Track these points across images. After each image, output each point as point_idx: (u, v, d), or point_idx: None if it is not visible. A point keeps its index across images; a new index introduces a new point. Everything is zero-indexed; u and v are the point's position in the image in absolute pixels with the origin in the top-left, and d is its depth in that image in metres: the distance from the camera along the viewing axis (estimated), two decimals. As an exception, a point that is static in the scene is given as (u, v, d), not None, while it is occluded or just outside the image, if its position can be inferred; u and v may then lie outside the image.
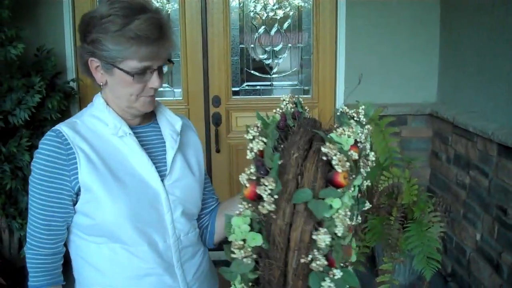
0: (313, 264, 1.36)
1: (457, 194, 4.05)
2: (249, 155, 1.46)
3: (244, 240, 1.41)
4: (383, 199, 3.59)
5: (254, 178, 1.42)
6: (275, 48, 4.68)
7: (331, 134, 1.44)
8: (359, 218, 1.56)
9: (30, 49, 4.02)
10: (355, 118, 1.55)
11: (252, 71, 4.70)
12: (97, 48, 1.61)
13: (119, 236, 1.66)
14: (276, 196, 1.37)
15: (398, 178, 3.48)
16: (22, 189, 3.82)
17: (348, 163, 1.37)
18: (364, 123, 1.55)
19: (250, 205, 1.42)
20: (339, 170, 1.37)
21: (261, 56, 4.69)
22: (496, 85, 3.55)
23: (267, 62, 4.70)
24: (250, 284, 1.48)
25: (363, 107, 1.57)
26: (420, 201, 3.62)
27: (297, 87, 4.74)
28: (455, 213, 4.06)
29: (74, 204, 1.68)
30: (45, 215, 1.67)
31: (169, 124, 1.82)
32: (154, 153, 1.76)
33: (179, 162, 1.79)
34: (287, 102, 1.61)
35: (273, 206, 1.37)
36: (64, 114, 4.13)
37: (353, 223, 1.50)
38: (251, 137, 1.46)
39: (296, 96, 1.64)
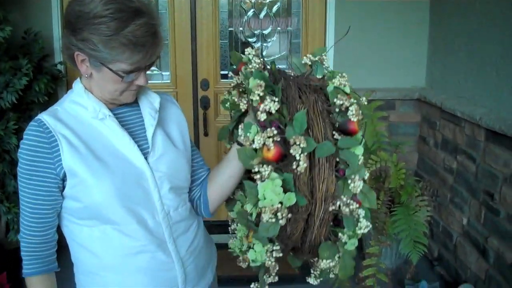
0: (346, 209, 1.46)
1: (444, 179, 4.07)
2: (262, 116, 1.47)
3: (280, 203, 1.43)
4: (370, 182, 3.60)
5: (279, 139, 1.45)
6: (264, 32, 4.67)
7: (333, 85, 1.54)
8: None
9: (17, 32, 3.99)
10: (324, 66, 1.65)
11: (240, 55, 4.67)
12: (87, 47, 1.58)
13: (109, 217, 1.67)
14: (305, 153, 1.42)
15: (385, 162, 3.49)
16: (10, 173, 3.81)
17: (361, 111, 1.47)
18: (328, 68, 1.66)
19: (271, 167, 1.45)
20: (354, 119, 1.47)
21: (250, 40, 4.68)
22: (484, 70, 3.56)
23: (256, 45, 4.69)
24: (276, 243, 1.53)
25: (324, 53, 1.66)
26: (408, 185, 3.64)
27: (286, 70, 4.72)
28: (442, 197, 4.08)
29: (62, 191, 1.68)
30: (33, 203, 1.68)
31: (148, 102, 1.82)
32: (135, 132, 1.76)
33: (160, 138, 1.79)
34: (253, 54, 1.64)
35: (307, 163, 1.43)
36: (52, 97, 4.11)
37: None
38: (257, 98, 1.48)
39: (259, 49, 1.68)
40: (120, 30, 1.54)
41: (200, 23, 4.56)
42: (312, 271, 1.70)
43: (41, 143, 1.63)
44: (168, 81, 4.64)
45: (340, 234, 1.53)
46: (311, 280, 1.70)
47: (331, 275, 1.67)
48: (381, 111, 3.85)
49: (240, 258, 1.78)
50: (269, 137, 1.45)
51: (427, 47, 4.55)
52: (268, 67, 1.66)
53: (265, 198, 1.44)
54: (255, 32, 4.66)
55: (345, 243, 1.53)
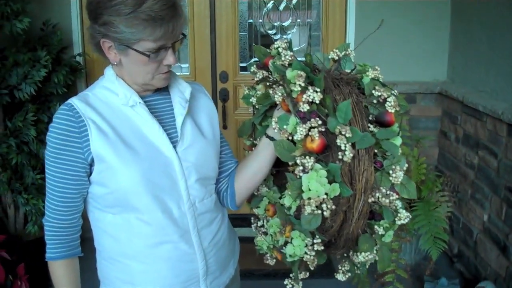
0: (386, 200, 1.47)
1: (465, 174, 4.02)
2: (304, 107, 1.48)
3: (326, 194, 1.44)
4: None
5: (323, 130, 1.46)
6: (283, 24, 4.64)
7: (370, 77, 1.59)
8: None
9: (36, 23, 4.00)
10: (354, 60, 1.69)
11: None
12: (109, 31, 1.59)
13: (134, 204, 1.67)
14: (350, 143, 1.44)
15: (406, 157, 3.45)
16: (28, 164, 3.82)
17: (397, 103, 1.51)
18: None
19: (314, 158, 1.46)
20: (392, 111, 1.50)
21: (269, 32, 4.65)
22: (507, 63, 3.50)
23: (276, 37, 4.66)
24: (317, 236, 1.54)
25: (350, 48, 1.71)
26: (428, 180, 3.61)
27: (304, 59, 4.69)
28: (463, 193, 4.03)
29: (89, 176, 1.69)
30: (60, 187, 1.68)
31: (179, 91, 1.82)
32: (165, 120, 1.77)
33: (189, 128, 1.79)
34: (283, 47, 1.66)
35: (353, 152, 1.45)
36: (70, 89, 4.12)
37: None
38: (299, 88, 1.49)
39: (288, 41, 1.69)
40: (138, 6, 1.54)
41: (219, 15, 4.54)
42: (340, 267, 1.69)
43: (71, 127, 1.63)
44: (187, 73, 4.63)
45: (376, 227, 1.54)
46: (339, 277, 1.70)
47: (358, 271, 1.67)
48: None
49: (268, 255, 1.78)
50: (313, 128, 1.45)
51: (448, 40, 4.49)
52: (301, 59, 1.66)
53: (310, 190, 1.44)
54: (275, 24, 4.63)
55: (382, 235, 1.54)
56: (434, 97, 4.53)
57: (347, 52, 1.68)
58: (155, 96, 1.79)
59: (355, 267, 1.67)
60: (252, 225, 1.91)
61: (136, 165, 1.64)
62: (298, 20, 4.63)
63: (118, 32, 1.58)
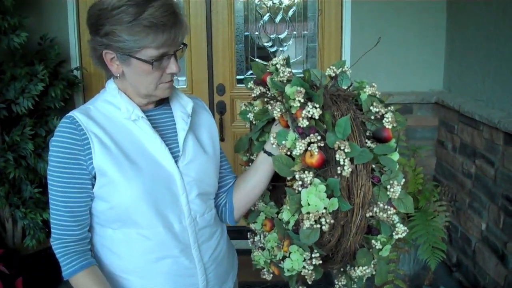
0: (384, 215, 1.50)
1: (462, 183, 4.02)
2: (303, 123, 1.50)
3: (325, 209, 1.46)
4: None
5: (322, 145, 1.48)
6: (280, 36, 4.65)
7: (367, 93, 1.60)
8: None
9: (33, 38, 4.02)
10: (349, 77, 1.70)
11: (257, 59, 4.67)
12: (111, 41, 1.60)
13: (135, 219, 1.67)
14: (349, 158, 1.46)
15: (403, 167, 3.46)
16: (26, 178, 3.83)
17: (395, 119, 1.52)
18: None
19: (313, 173, 1.48)
20: (389, 126, 1.52)
21: (266, 44, 4.66)
22: (503, 73, 3.51)
23: (272, 50, 4.68)
24: (315, 251, 1.55)
25: (346, 66, 1.71)
26: (426, 190, 3.61)
27: (303, 75, 4.70)
28: (461, 202, 4.03)
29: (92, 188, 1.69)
30: (67, 202, 1.66)
31: (181, 106, 1.82)
32: (167, 135, 1.77)
33: (191, 143, 1.79)
34: (281, 64, 1.69)
35: (352, 167, 1.46)
36: (68, 103, 4.13)
37: None
38: (298, 104, 1.51)
39: (285, 58, 1.72)
40: (139, 14, 1.55)
41: (215, 28, 4.56)
42: (336, 282, 1.70)
43: (74, 139, 1.63)
44: (184, 86, 4.64)
45: (373, 241, 1.55)
46: None
47: (354, 286, 1.67)
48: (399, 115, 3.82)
49: (265, 270, 1.78)
50: (312, 143, 1.47)
51: (444, 50, 4.51)
52: (298, 74, 1.68)
53: (309, 204, 1.45)
54: (271, 36, 4.65)
55: (380, 249, 1.55)
56: (431, 107, 4.54)
57: (344, 69, 1.69)
58: (157, 110, 1.79)
59: (352, 282, 1.67)
60: (249, 240, 1.92)
61: (138, 180, 1.64)
62: (294, 32, 4.64)
63: (120, 41, 1.58)
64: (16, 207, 3.83)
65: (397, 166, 1.52)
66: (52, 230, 1.71)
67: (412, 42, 4.50)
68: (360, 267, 1.57)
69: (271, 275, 1.80)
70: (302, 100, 1.50)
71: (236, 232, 3.70)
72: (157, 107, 1.80)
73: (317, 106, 1.50)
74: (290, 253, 1.56)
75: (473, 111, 3.74)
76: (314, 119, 1.50)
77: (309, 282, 1.60)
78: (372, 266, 1.59)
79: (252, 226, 1.90)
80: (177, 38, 1.62)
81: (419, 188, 3.53)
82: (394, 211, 1.50)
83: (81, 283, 1.69)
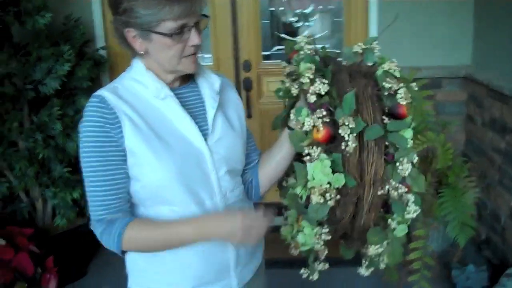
0: (395, 194, 1.49)
1: (492, 159, 3.97)
2: (313, 99, 1.50)
3: (329, 183, 1.46)
4: (417, 163, 3.54)
5: (328, 120, 1.48)
6: (305, 11, 4.61)
7: (383, 69, 1.56)
8: None
9: (58, 18, 4.02)
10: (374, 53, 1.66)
11: (282, 35, 4.64)
12: (130, 17, 1.60)
13: (167, 197, 1.68)
14: (355, 134, 1.45)
15: (432, 142, 3.42)
16: (55, 158, 3.86)
17: (410, 95, 1.50)
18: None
19: (321, 148, 1.48)
20: (403, 103, 1.49)
21: (291, 19, 4.63)
22: (533, 46, 3.45)
23: (298, 25, 4.64)
24: (325, 226, 1.55)
25: (375, 41, 1.67)
26: (455, 166, 3.57)
27: (329, 50, 4.66)
28: (490, 178, 3.99)
29: None
30: (105, 179, 1.64)
31: (208, 83, 1.82)
32: (195, 113, 1.77)
33: (220, 121, 1.80)
34: (304, 42, 1.66)
35: (357, 143, 1.46)
36: (95, 82, 4.15)
37: None
38: (308, 80, 1.52)
39: (312, 35, 1.70)
40: None
41: (240, 4, 4.53)
42: (363, 261, 1.69)
43: (105, 118, 1.62)
44: (210, 63, 4.62)
45: (389, 220, 1.53)
46: (362, 271, 1.69)
47: (381, 265, 1.66)
48: (427, 89, 3.77)
49: (292, 244, 1.78)
50: (318, 118, 1.48)
51: (472, 24, 4.43)
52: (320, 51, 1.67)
53: (314, 179, 1.46)
54: (297, 11, 4.61)
55: (394, 229, 1.53)
56: (459, 82, 4.48)
57: (372, 46, 1.66)
58: (184, 88, 1.79)
59: (375, 260, 1.66)
60: (283, 216, 1.93)
61: (169, 158, 1.65)
62: (320, 7, 4.59)
63: (138, 17, 1.58)
64: (46, 187, 3.88)
65: (410, 144, 1.50)
66: (91, 213, 1.68)
67: (440, 16, 4.42)
68: (373, 246, 1.56)
69: (298, 251, 1.79)
70: (311, 77, 1.51)
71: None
72: (184, 85, 1.80)
73: (326, 82, 1.49)
74: (303, 227, 1.57)
75: (502, 86, 3.68)
76: (328, 95, 1.50)
77: (321, 258, 1.62)
78: (386, 245, 1.58)
79: (284, 201, 1.90)
80: (194, 8, 1.61)
81: (448, 164, 3.48)
82: (406, 189, 1.49)
83: (134, 236, 1.64)
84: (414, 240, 3.20)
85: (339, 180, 1.45)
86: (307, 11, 4.62)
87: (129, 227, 1.63)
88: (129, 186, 1.70)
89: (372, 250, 1.57)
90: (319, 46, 1.72)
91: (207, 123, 1.77)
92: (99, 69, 4.27)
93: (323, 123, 1.48)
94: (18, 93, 3.70)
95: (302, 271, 1.68)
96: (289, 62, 1.76)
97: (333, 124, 1.49)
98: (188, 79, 1.83)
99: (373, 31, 4.42)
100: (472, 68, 4.38)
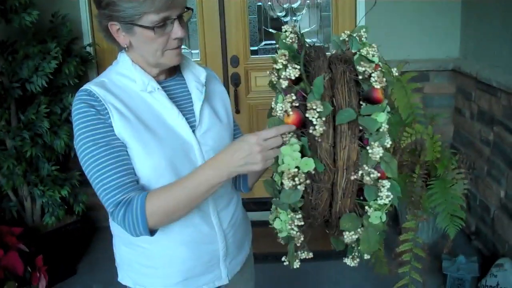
0: (367, 178, 1.45)
1: (481, 151, 3.99)
2: (284, 84, 1.49)
3: (297, 168, 1.44)
4: (405, 156, 3.55)
5: (297, 105, 1.47)
6: (293, 5, 4.61)
7: (360, 53, 1.53)
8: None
9: (44, 16, 4.01)
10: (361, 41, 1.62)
11: (270, 30, 4.64)
12: (113, 11, 1.60)
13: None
14: (324, 118, 1.42)
15: (421, 135, 3.43)
16: (43, 156, 3.85)
17: (384, 79, 1.46)
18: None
19: (291, 133, 1.46)
20: (377, 87, 1.46)
21: (279, 14, 4.62)
22: (520, 37, 3.46)
23: (285, 20, 4.64)
24: (299, 213, 1.52)
25: (363, 29, 1.63)
26: (444, 158, 3.58)
27: (317, 44, 4.65)
28: (479, 170, 4.01)
29: None
30: (111, 166, 1.60)
31: (194, 76, 1.83)
32: (182, 105, 1.78)
33: (207, 113, 1.81)
34: (290, 31, 1.62)
35: (324, 127, 1.43)
36: (82, 79, 4.13)
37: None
38: (281, 66, 1.50)
39: (296, 25, 1.68)
40: None
41: (228, -1, 4.51)
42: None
43: (95, 109, 1.61)
44: (198, 59, 4.62)
45: (366, 207, 1.51)
46: (347, 261, 1.68)
47: (356, 253, 1.64)
48: (415, 82, 3.78)
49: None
50: (288, 103, 1.47)
51: (460, 16, 4.44)
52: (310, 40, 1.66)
53: (283, 163, 1.45)
54: (284, 6, 4.60)
55: (369, 215, 1.51)
56: (448, 74, 4.49)
57: (359, 34, 1.65)
58: (171, 81, 1.80)
59: (354, 249, 1.64)
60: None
61: (159, 150, 1.65)
62: (308, 1, 4.59)
63: (121, 10, 1.58)
64: (34, 185, 3.86)
65: (382, 128, 1.46)
66: (107, 202, 1.61)
67: (428, 9, 4.43)
68: (347, 233, 1.53)
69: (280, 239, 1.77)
70: (284, 62, 1.49)
71: (252, 204, 3.71)
72: (170, 78, 1.81)
73: (297, 67, 1.48)
74: (280, 213, 1.54)
75: (490, 78, 3.69)
76: (292, 79, 1.49)
77: (297, 244, 1.57)
78: (361, 232, 1.54)
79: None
80: (176, 0, 1.60)
81: (437, 156, 3.49)
82: (379, 175, 1.46)
83: (156, 204, 1.57)
84: (404, 232, 3.21)
85: (308, 164, 1.43)
86: (295, 5, 4.61)
87: (148, 199, 1.56)
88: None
89: (347, 237, 1.55)
90: (305, 36, 1.70)
91: (194, 115, 1.77)
92: (86, 66, 4.25)
93: (294, 107, 1.47)
94: (4, 91, 3.67)
95: (283, 258, 1.65)
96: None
97: (305, 109, 1.47)
98: (174, 71, 1.83)
99: (361, 25, 4.41)
100: (460, 60, 4.39)
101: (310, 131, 1.44)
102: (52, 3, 4.22)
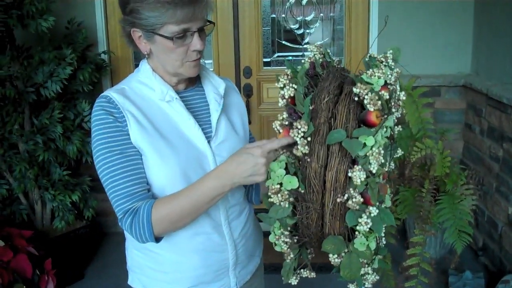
0: (350, 202, 1.42)
1: (490, 167, 3.99)
2: (281, 102, 1.51)
3: (280, 184, 1.46)
4: (415, 170, 3.56)
5: (286, 123, 1.49)
6: (306, 18, 4.63)
7: (362, 76, 1.49)
8: (392, 164, 1.57)
9: (60, 22, 4.06)
10: (383, 63, 1.58)
11: (283, 42, 4.66)
12: (136, 18, 1.63)
13: None
14: (309, 139, 1.43)
15: (431, 150, 3.44)
16: (55, 161, 3.88)
17: (379, 102, 1.41)
18: (392, 66, 1.58)
19: (284, 150, 1.48)
20: (371, 109, 1.42)
21: (292, 27, 4.65)
22: (532, 55, 3.47)
23: (299, 32, 4.66)
24: (289, 229, 1.53)
25: (390, 51, 1.60)
26: (453, 174, 3.58)
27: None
28: (488, 186, 4.01)
29: None
30: (129, 169, 1.64)
31: (213, 87, 1.85)
32: (200, 116, 1.79)
33: (223, 124, 1.82)
34: (315, 52, 1.64)
35: (307, 148, 1.43)
36: (96, 86, 4.17)
37: (386, 170, 1.56)
38: (282, 85, 1.52)
39: (323, 46, 1.68)
40: None
41: (242, 11, 4.56)
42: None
43: (113, 116, 1.64)
44: (211, 69, 4.62)
45: (356, 232, 1.49)
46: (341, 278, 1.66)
47: (339, 278, 1.61)
48: (426, 97, 3.79)
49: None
50: (277, 121, 1.50)
51: (472, 33, 4.46)
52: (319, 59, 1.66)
53: (270, 178, 1.48)
54: (298, 19, 4.63)
55: (355, 241, 1.49)
56: (459, 90, 4.50)
57: (384, 55, 1.61)
58: (190, 91, 1.82)
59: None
60: None
61: (174, 159, 1.67)
62: (321, 14, 4.62)
63: (143, 18, 1.61)
64: (45, 189, 3.89)
65: (370, 152, 1.41)
66: (117, 209, 1.65)
67: (440, 25, 4.45)
68: (330, 255, 1.51)
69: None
70: (285, 82, 1.51)
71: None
72: (189, 88, 1.83)
73: (294, 87, 1.50)
74: (273, 228, 1.56)
75: (501, 94, 3.70)
76: (285, 97, 1.51)
77: (287, 260, 1.59)
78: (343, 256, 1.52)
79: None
80: (197, 13, 1.62)
81: (446, 172, 3.50)
82: (361, 200, 1.42)
83: (161, 212, 1.61)
84: (412, 247, 3.21)
85: (292, 182, 1.45)
86: (308, 18, 4.63)
87: (154, 208, 1.61)
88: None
89: (331, 259, 1.54)
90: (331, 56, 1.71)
91: (211, 126, 1.79)
92: (100, 73, 4.28)
93: (283, 125, 1.49)
94: (19, 95, 3.71)
95: (282, 272, 1.66)
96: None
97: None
98: (194, 82, 1.86)
99: (374, 39, 4.44)
100: (471, 76, 4.40)
101: (294, 150, 1.45)
102: (68, 10, 4.27)
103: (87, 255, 4.23)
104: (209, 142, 1.75)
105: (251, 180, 1.56)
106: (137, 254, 1.85)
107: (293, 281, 1.65)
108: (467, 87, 4.38)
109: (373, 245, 1.49)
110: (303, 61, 1.64)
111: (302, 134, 1.43)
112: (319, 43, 4.59)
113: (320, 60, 1.64)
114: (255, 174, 1.54)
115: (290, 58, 4.68)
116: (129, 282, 1.93)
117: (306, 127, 1.43)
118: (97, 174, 1.68)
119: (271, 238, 1.57)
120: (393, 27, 4.35)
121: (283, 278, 1.66)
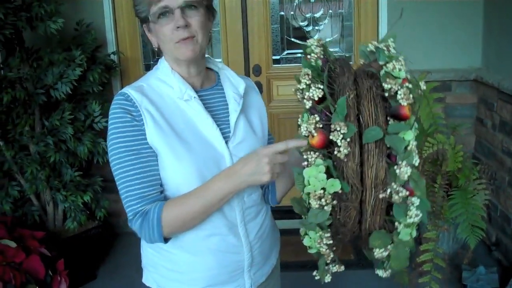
0: (396, 197, 1.42)
1: (502, 162, 3.97)
2: (308, 104, 1.47)
3: (323, 189, 1.43)
4: (427, 166, 3.55)
5: (321, 126, 1.45)
6: (315, 15, 4.62)
7: (386, 69, 1.48)
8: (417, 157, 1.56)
9: (69, 24, 4.06)
10: (386, 52, 1.56)
11: (292, 39, 4.66)
12: (136, 12, 1.69)
13: None
14: (348, 139, 1.41)
15: (442, 145, 3.42)
16: (66, 162, 3.89)
17: (411, 95, 1.42)
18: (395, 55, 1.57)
19: (317, 153, 1.45)
20: (404, 104, 1.42)
21: (301, 24, 4.64)
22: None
23: (308, 29, 4.65)
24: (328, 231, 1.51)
25: (391, 39, 1.57)
26: (465, 168, 3.57)
27: (339, 54, 4.67)
28: (500, 180, 3.98)
29: None
30: (139, 172, 1.64)
31: (233, 86, 1.84)
32: (218, 115, 1.78)
33: (242, 124, 1.81)
34: (315, 45, 1.61)
35: (349, 149, 1.41)
36: (106, 87, 4.18)
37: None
38: (304, 86, 1.49)
39: (322, 39, 1.66)
40: None
41: (251, 9, 4.55)
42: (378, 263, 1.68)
43: (131, 114, 1.64)
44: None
45: (396, 224, 1.50)
46: (379, 272, 1.66)
47: (387, 269, 1.63)
48: (437, 92, 3.77)
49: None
50: (311, 124, 1.46)
51: (482, 26, 4.43)
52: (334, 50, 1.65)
53: (309, 184, 1.44)
54: (306, 16, 4.62)
55: (399, 232, 1.49)
56: (470, 84, 4.47)
57: (386, 44, 1.62)
58: (209, 90, 1.82)
59: (384, 264, 1.63)
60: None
61: (190, 159, 1.66)
62: (330, 11, 4.60)
63: (138, 12, 1.68)
64: (57, 191, 3.90)
65: (410, 146, 1.43)
66: (128, 209, 1.66)
67: (450, 19, 4.43)
68: (377, 249, 1.52)
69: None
70: (308, 82, 1.48)
71: (281, 212, 3.72)
72: (209, 87, 1.82)
73: (321, 87, 1.47)
74: (308, 231, 1.54)
75: (512, 88, 3.68)
76: (315, 99, 1.47)
77: (327, 261, 1.58)
78: (392, 249, 1.53)
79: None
80: None
81: (458, 167, 3.48)
82: (408, 193, 1.43)
83: (171, 214, 1.63)
84: (425, 242, 3.20)
85: (334, 185, 1.43)
86: (317, 15, 4.62)
87: (164, 209, 1.62)
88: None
89: (377, 253, 1.55)
90: (335, 49, 1.70)
91: (229, 126, 1.78)
92: (110, 74, 4.30)
93: (318, 128, 1.46)
94: (29, 97, 3.72)
95: (314, 273, 1.66)
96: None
97: (330, 129, 1.45)
98: (213, 81, 1.85)
99: (383, 35, 4.42)
100: (482, 71, 4.37)
101: (335, 152, 1.43)
102: (77, 12, 4.28)
103: (100, 256, 4.25)
104: (227, 142, 1.74)
105: (255, 179, 1.57)
106: (152, 253, 1.85)
107: (328, 278, 1.65)
108: (478, 82, 4.35)
109: (414, 233, 1.50)
110: (308, 57, 1.60)
111: (342, 136, 1.41)
112: (328, 39, 4.58)
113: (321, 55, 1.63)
114: (258, 173, 1.55)
115: (300, 55, 4.66)
116: (144, 280, 1.93)
117: (346, 128, 1.41)
118: (108, 175, 1.69)
119: (306, 242, 1.55)
120: (403, 23, 4.32)
121: (317, 278, 1.64)
